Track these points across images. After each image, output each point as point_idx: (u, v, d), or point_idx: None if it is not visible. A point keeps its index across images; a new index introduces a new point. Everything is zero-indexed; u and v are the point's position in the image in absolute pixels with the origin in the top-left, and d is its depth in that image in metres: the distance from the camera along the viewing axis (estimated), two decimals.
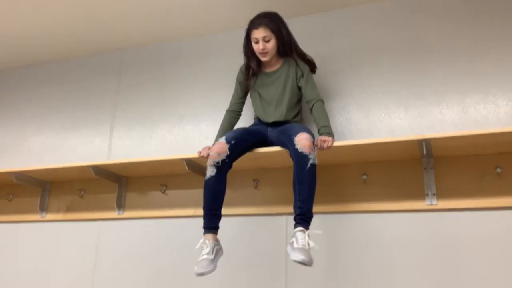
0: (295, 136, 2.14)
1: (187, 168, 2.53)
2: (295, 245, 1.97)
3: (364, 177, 2.42)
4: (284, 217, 2.53)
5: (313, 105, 2.38)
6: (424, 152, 2.20)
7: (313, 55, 2.57)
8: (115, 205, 2.91)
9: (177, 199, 2.80)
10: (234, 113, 2.56)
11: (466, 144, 2.17)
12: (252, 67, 2.49)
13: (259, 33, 2.37)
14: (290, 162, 2.35)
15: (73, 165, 2.79)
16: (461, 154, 2.28)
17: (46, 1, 2.83)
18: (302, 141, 2.10)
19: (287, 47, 2.44)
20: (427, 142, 2.15)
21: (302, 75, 2.45)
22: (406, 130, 2.46)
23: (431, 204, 2.26)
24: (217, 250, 2.13)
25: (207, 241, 2.11)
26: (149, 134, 3.07)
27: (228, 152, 2.21)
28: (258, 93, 2.51)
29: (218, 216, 2.19)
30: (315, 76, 2.55)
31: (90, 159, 3.09)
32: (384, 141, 2.19)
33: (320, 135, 2.27)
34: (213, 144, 2.28)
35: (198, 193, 2.72)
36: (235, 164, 2.30)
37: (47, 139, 3.36)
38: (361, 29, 2.75)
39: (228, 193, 2.39)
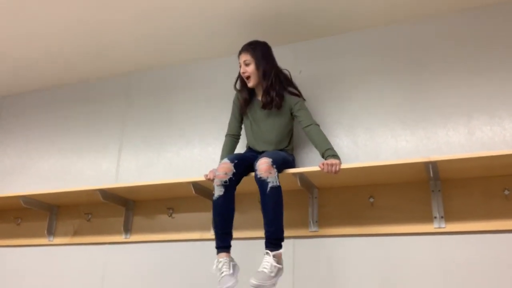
0: (257, 161, 2.20)
1: (194, 192, 2.54)
2: (259, 269, 2.02)
3: (371, 199, 2.42)
4: (291, 240, 2.51)
5: (310, 131, 2.41)
6: (431, 174, 2.19)
7: (317, 77, 2.60)
8: (122, 228, 2.91)
9: (184, 223, 2.80)
10: (233, 137, 2.62)
11: (473, 166, 2.16)
12: (244, 94, 2.57)
13: (241, 57, 2.51)
14: (296, 184, 2.37)
15: (80, 189, 2.81)
16: (468, 177, 2.27)
17: (53, 26, 2.89)
18: (260, 166, 2.16)
19: (268, 74, 2.47)
20: (433, 164, 2.15)
21: (296, 103, 2.49)
22: (412, 152, 2.46)
23: (440, 227, 2.25)
24: (234, 265, 2.15)
25: (221, 260, 2.13)
26: (157, 157, 3.09)
27: (234, 170, 2.25)
28: (250, 121, 2.56)
29: (229, 235, 2.21)
30: (316, 100, 2.57)
31: (97, 183, 3.10)
32: (391, 163, 2.20)
33: (325, 158, 2.28)
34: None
35: (205, 217, 2.72)
36: (241, 187, 2.31)
37: (55, 163, 3.39)
38: (367, 52, 2.77)
39: (236, 216, 2.38)
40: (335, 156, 2.28)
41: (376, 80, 2.68)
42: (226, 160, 2.30)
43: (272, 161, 2.18)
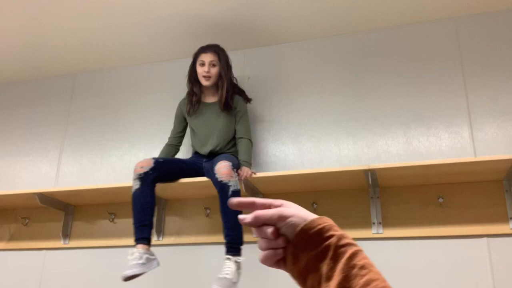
0: (215, 165, 2.21)
1: None
2: (219, 275, 2.02)
3: (315, 206, 2.46)
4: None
5: (240, 142, 2.49)
6: (370, 182, 2.26)
7: (265, 84, 2.63)
8: (60, 234, 2.82)
9: (126, 228, 2.73)
10: (172, 147, 2.63)
11: (410, 174, 2.25)
12: (195, 92, 2.56)
13: (207, 57, 2.50)
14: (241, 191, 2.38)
15: (17, 192, 2.71)
16: (405, 184, 2.36)
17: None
18: (221, 169, 2.18)
19: (227, 79, 2.51)
20: (372, 172, 2.22)
21: (240, 110, 2.55)
22: (354, 160, 2.53)
23: (377, 233, 2.32)
24: (148, 258, 2.11)
25: (137, 250, 2.12)
26: (100, 161, 3.02)
27: (152, 165, 2.28)
28: (196, 123, 2.58)
29: (148, 227, 2.21)
30: (263, 107, 2.60)
31: (36, 186, 2.99)
32: (332, 170, 2.26)
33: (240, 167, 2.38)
34: None
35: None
36: (187, 193, 2.30)
37: None
38: (313, 62, 2.83)
39: (180, 221, 2.36)
40: (248, 164, 2.38)
41: (322, 89, 2.75)
42: (149, 157, 2.35)
43: (231, 165, 2.20)
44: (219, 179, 2.16)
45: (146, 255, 2.10)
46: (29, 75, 3.35)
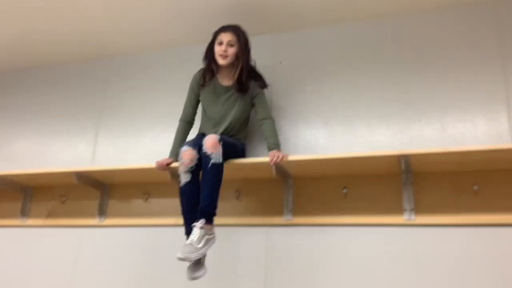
0: (205, 138, 2.26)
1: (170, 177, 2.55)
2: (185, 242, 2.08)
3: (345, 190, 2.45)
4: (264, 228, 2.54)
5: (263, 124, 2.49)
6: (403, 167, 2.24)
7: (297, 68, 2.63)
8: (96, 212, 2.90)
9: (159, 208, 2.80)
10: (188, 124, 2.64)
11: (445, 161, 2.21)
12: (211, 69, 2.57)
13: (226, 36, 2.49)
14: (270, 174, 2.40)
15: (55, 170, 2.79)
16: (439, 171, 2.32)
17: (36, 9, 2.85)
18: (207, 141, 2.22)
19: (243, 60, 2.50)
20: (406, 157, 2.19)
21: (258, 93, 2.54)
22: (386, 145, 2.50)
23: (409, 219, 2.30)
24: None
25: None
26: (134, 142, 3.08)
27: (199, 156, 2.28)
28: (209, 103, 2.57)
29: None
30: (295, 91, 2.58)
31: (73, 166, 3.08)
32: (364, 155, 2.24)
33: (269, 150, 2.40)
34: (170, 155, 2.51)
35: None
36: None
37: (30, 144, 3.35)
38: (347, 46, 2.79)
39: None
40: (278, 149, 2.39)
41: (354, 74, 2.71)
42: (187, 147, 2.32)
43: (219, 139, 2.24)
44: (203, 150, 2.21)
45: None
46: (67, 57, 3.43)
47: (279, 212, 2.54)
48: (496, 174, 2.24)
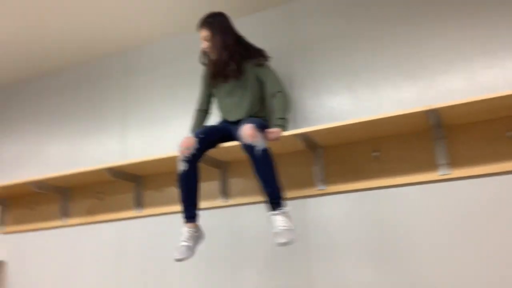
0: (240, 130, 2.20)
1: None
2: (276, 230, 2.07)
3: (376, 153, 2.42)
4: (300, 201, 2.54)
5: (275, 97, 2.42)
6: (433, 122, 2.18)
7: (317, 34, 2.62)
8: (133, 204, 2.96)
9: None
10: (203, 112, 2.64)
11: (475, 110, 2.15)
12: (208, 63, 2.57)
13: (201, 33, 2.48)
14: (299, 146, 2.38)
15: (89, 169, 2.85)
16: (470, 121, 2.26)
17: (51, 13, 2.88)
18: (244, 132, 2.16)
19: (227, 45, 2.45)
20: (434, 112, 2.13)
21: (261, 72, 2.48)
22: (414, 102, 2.44)
23: (445, 174, 2.25)
24: (196, 237, 2.28)
25: (187, 230, 2.26)
26: (161, 132, 3.11)
27: (197, 145, 2.29)
28: (221, 94, 2.56)
29: (195, 206, 2.31)
30: (315, 58, 2.54)
31: (105, 162, 3.13)
32: (391, 115, 2.19)
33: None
34: None
35: (213, 185, 2.76)
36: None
37: (62, 146, 3.42)
38: (364, 4, 2.72)
39: (243, 183, 2.39)
40: (280, 125, 2.31)
41: (374, 32, 2.64)
42: (190, 135, 2.34)
43: (256, 126, 2.19)
44: (244, 141, 2.16)
45: (196, 234, 2.28)
46: (85, 56, 3.47)
47: (312, 183, 2.53)
48: None
